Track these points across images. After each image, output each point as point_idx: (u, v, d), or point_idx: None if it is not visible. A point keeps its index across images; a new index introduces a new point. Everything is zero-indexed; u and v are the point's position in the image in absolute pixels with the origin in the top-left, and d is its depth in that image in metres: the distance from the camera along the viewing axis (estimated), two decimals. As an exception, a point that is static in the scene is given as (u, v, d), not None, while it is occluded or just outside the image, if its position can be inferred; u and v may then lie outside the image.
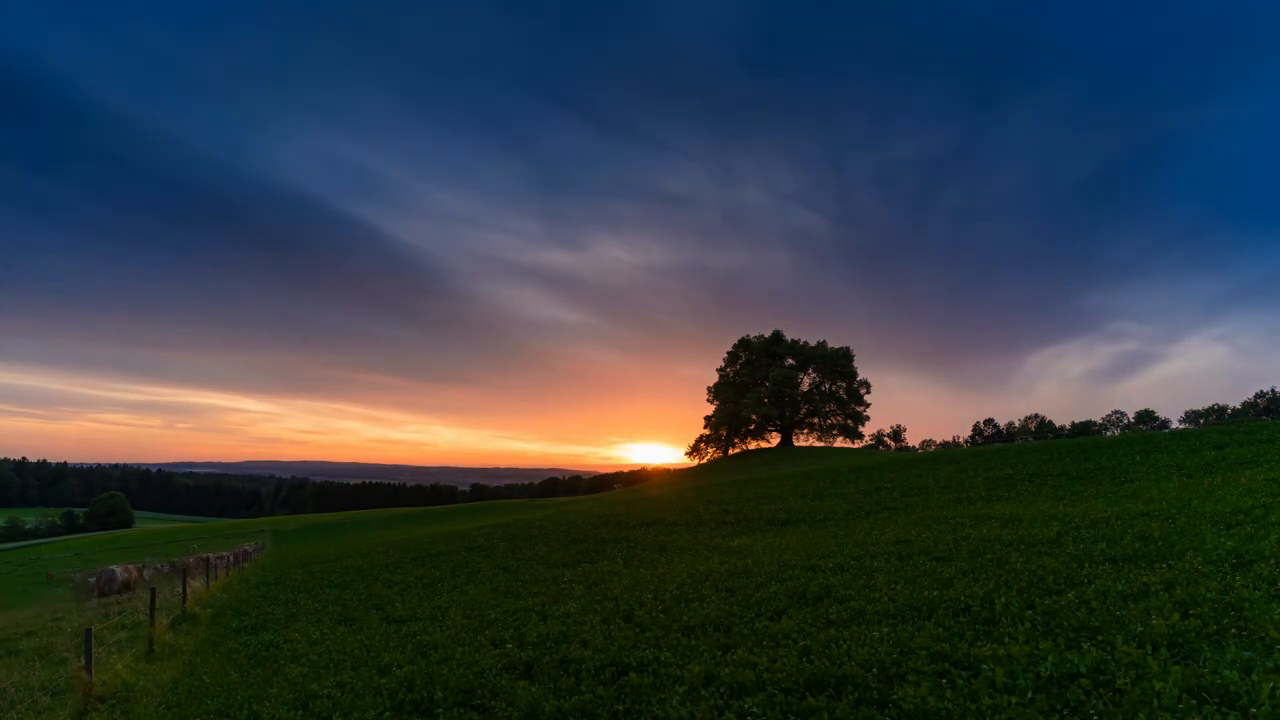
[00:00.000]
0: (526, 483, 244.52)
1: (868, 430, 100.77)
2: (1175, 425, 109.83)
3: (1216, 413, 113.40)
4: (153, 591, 13.48)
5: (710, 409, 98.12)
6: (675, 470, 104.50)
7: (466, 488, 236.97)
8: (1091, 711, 4.72)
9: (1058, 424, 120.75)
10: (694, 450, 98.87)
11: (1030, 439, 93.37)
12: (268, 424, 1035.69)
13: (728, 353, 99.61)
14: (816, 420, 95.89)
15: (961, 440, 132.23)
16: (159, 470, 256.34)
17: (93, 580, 24.86)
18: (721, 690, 6.27)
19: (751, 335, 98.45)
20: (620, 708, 6.23)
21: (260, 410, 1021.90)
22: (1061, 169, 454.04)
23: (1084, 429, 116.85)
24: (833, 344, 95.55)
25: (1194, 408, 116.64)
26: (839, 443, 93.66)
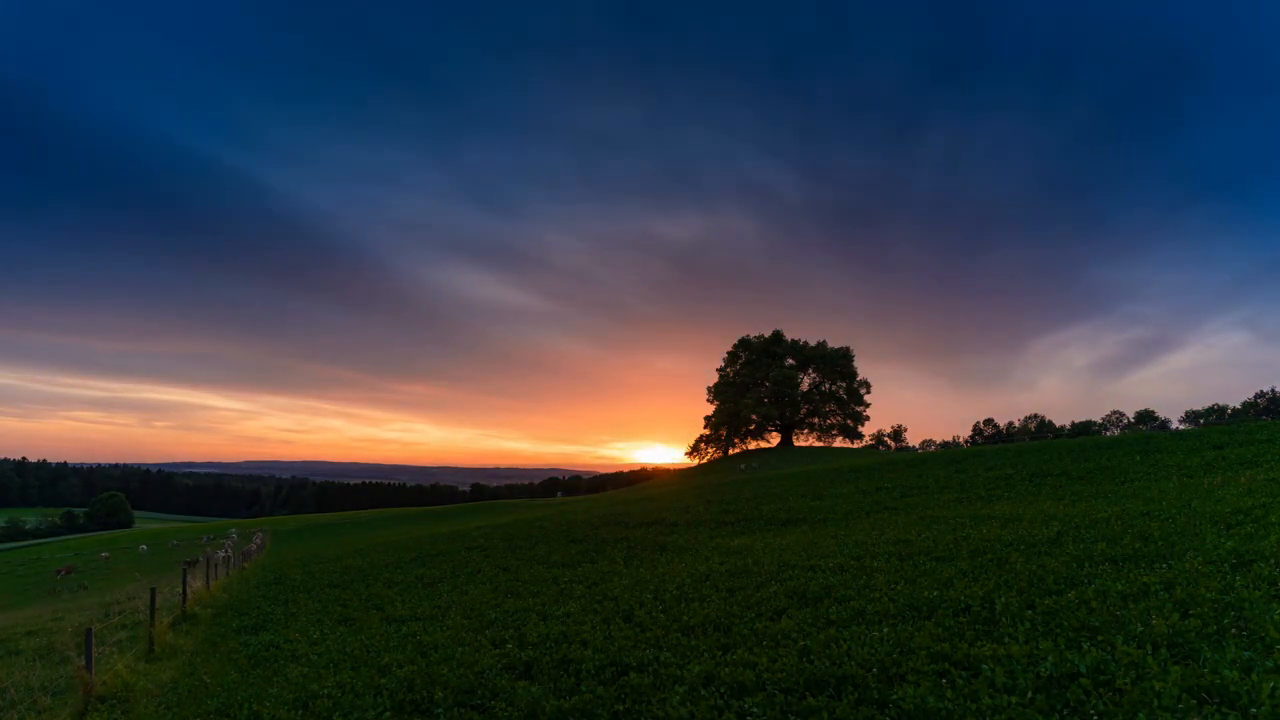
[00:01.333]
0: (526, 483, 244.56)
1: (868, 430, 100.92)
2: (1175, 425, 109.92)
3: (1216, 413, 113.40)
4: (153, 591, 13.48)
5: (710, 409, 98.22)
6: (675, 470, 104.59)
7: (466, 488, 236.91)
8: (1091, 711, 4.72)
9: (1058, 424, 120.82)
10: (694, 450, 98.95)
11: (1030, 439, 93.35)
12: (245, 422, 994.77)
13: (728, 353, 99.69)
14: (816, 420, 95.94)
15: (961, 440, 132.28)
16: (159, 470, 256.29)
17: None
18: (721, 690, 6.27)
19: (751, 335, 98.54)
20: (620, 708, 6.23)
21: (234, 408, 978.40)
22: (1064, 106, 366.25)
23: (1084, 429, 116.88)
24: (832, 343, 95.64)
25: (1194, 408, 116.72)
26: (839, 443, 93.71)
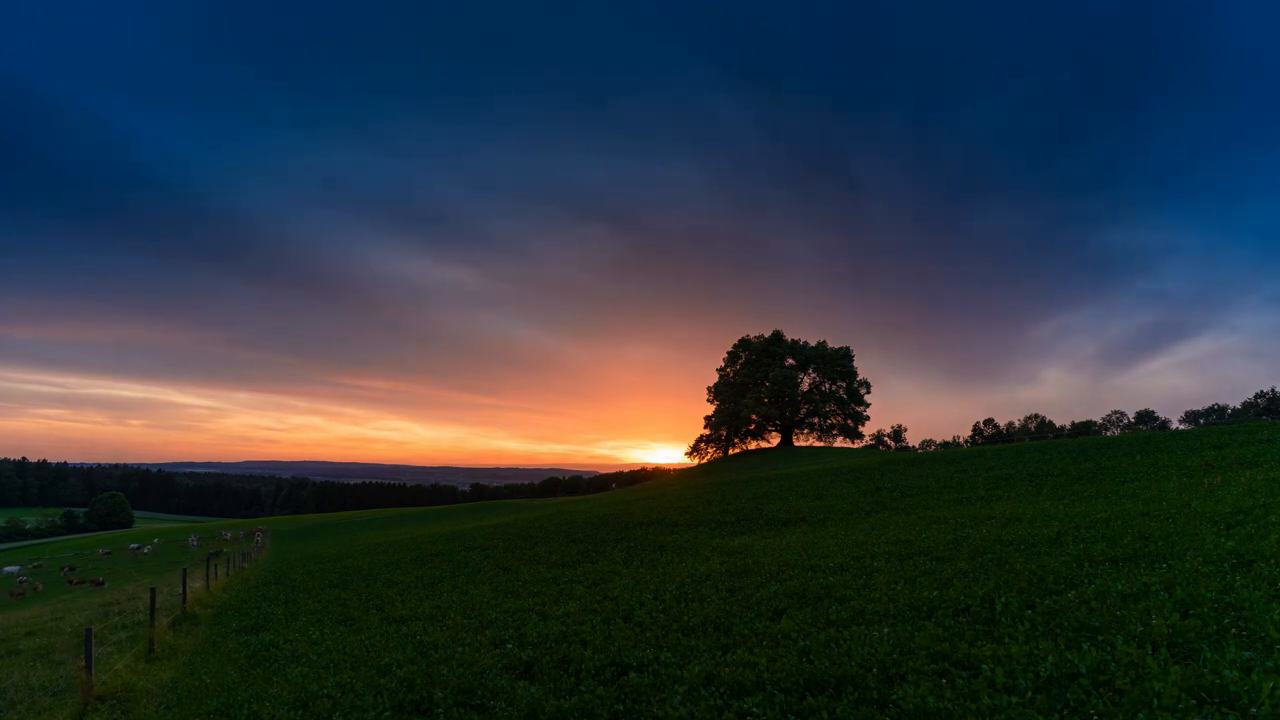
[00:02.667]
0: (526, 483, 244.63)
1: (868, 430, 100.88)
2: (1175, 425, 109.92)
3: (1216, 413, 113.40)
4: (153, 591, 13.48)
5: (710, 409, 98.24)
6: (675, 470, 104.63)
7: (466, 488, 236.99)
8: (1091, 711, 4.72)
9: (1058, 424, 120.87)
10: (694, 450, 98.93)
11: (1030, 439, 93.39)
12: (221, 420, 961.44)
13: (727, 353, 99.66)
14: (816, 420, 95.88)
15: (961, 440, 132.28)
16: (159, 470, 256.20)
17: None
18: (721, 690, 6.27)
19: (751, 335, 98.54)
20: (620, 708, 6.23)
21: (204, 405, 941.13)
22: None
23: (1084, 429, 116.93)
24: (832, 343, 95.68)
25: (1195, 408, 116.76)
26: (839, 443, 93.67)
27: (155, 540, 55.70)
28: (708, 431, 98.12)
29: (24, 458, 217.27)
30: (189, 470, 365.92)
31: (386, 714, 6.97)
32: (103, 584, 36.14)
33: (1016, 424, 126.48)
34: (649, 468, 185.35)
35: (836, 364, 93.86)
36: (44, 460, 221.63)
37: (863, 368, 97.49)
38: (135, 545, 52.01)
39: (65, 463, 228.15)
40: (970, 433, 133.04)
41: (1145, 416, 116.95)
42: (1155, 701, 4.64)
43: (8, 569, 51.29)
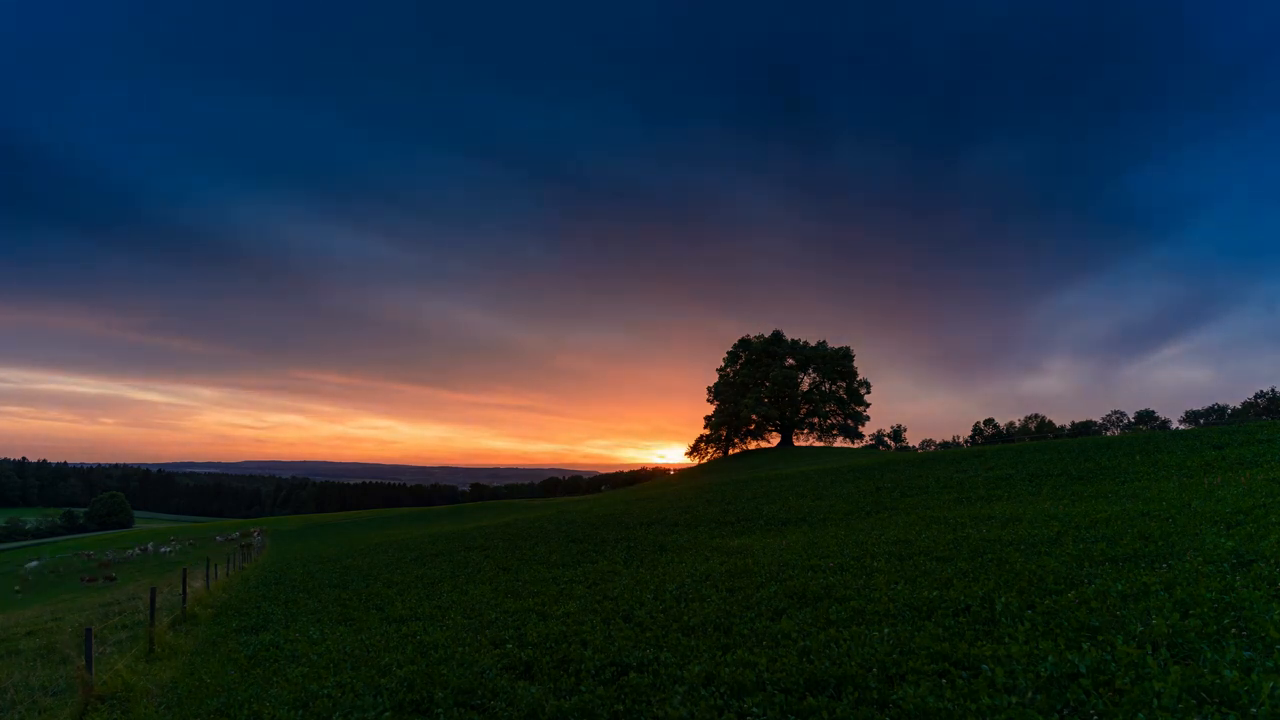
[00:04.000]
0: (526, 483, 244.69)
1: (868, 430, 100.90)
2: (1175, 425, 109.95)
3: (1216, 413, 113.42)
4: (153, 591, 13.48)
5: (710, 409, 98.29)
6: (675, 470, 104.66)
7: (466, 488, 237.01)
8: (1091, 711, 4.72)
9: (1058, 423, 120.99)
10: (694, 450, 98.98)
11: (1030, 439, 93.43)
12: (195, 417, 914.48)
13: (727, 353, 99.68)
14: (816, 420, 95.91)
15: (961, 440, 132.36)
16: (159, 470, 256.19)
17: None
18: (721, 690, 6.27)
19: (751, 335, 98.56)
20: (620, 708, 6.23)
21: (171, 403, 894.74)
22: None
23: (1084, 429, 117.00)
24: (832, 344, 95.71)
25: (1194, 408, 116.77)
26: (839, 443, 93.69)
27: (171, 539, 55.95)
28: (708, 431, 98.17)
29: (24, 458, 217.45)
30: (189, 470, 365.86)
31: (386, 714, 6.97)
32: (114, 579, 36.43)
33: (1016, 424, 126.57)
34: (649, 468, 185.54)
35: (836, 364, 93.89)
36: (44, 460, 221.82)
37: (850, 350, 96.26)
38: (166, 549, 52.31)
39: (65, 463, 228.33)
40: (970, 433, 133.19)
41: (1145, 416, 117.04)
42: (1155, 701, 4.64)
43: (30, 564, 51.57)
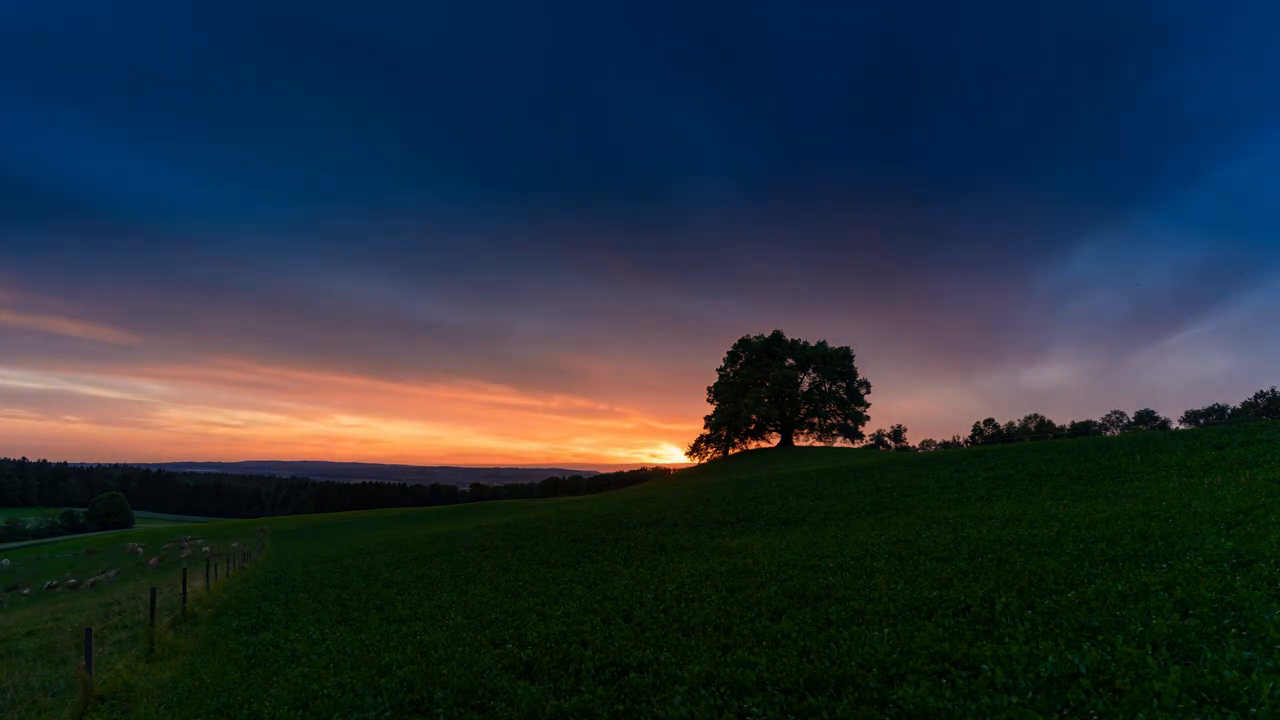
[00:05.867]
0: (526, 483, 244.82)
1: (867, 430, 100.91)
2: (1175, 425, 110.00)
3: (1216, 413, 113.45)
4: (153, 591, 13.49)
5: (710, 409, 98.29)
6: (676, 470, 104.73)
7: (466, 488, 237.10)
8: (1091, 711, 4.72)
9: (1058, 423, 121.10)
10: (694, 450, 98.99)
11: (1030, 439, 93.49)
12: (166, 413, 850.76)
13: (727, 353, 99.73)
14: (816, 420, 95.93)
15: (961, 440, 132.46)
16: (159, 470, 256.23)
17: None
18: (721, 690, 6.27)
19: (751, 335, 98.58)
20: (620, 708, 6.23)
21: (135, 399, 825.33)
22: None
23: (1084, 429, 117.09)
24: (832, 343, 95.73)
25: (1194, 408, 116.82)
26: (839, 443, 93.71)
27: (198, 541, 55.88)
28: (708, 431, 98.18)
29: (24, 458, 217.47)
30: (189, 470, 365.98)
31: (386, 714, 6.97)
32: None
33: (1016, 424, 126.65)
34: (649, 468, 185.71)
35: (836, 364, 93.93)
36: (44, 460, 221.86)
37: (850, 350, 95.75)
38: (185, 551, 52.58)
39: (65, 463, 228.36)
40: (970, 433, 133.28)
41: (1145, 416, 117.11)
42: (1155, 701, 4.64)
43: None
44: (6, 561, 57.35)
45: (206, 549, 48.41)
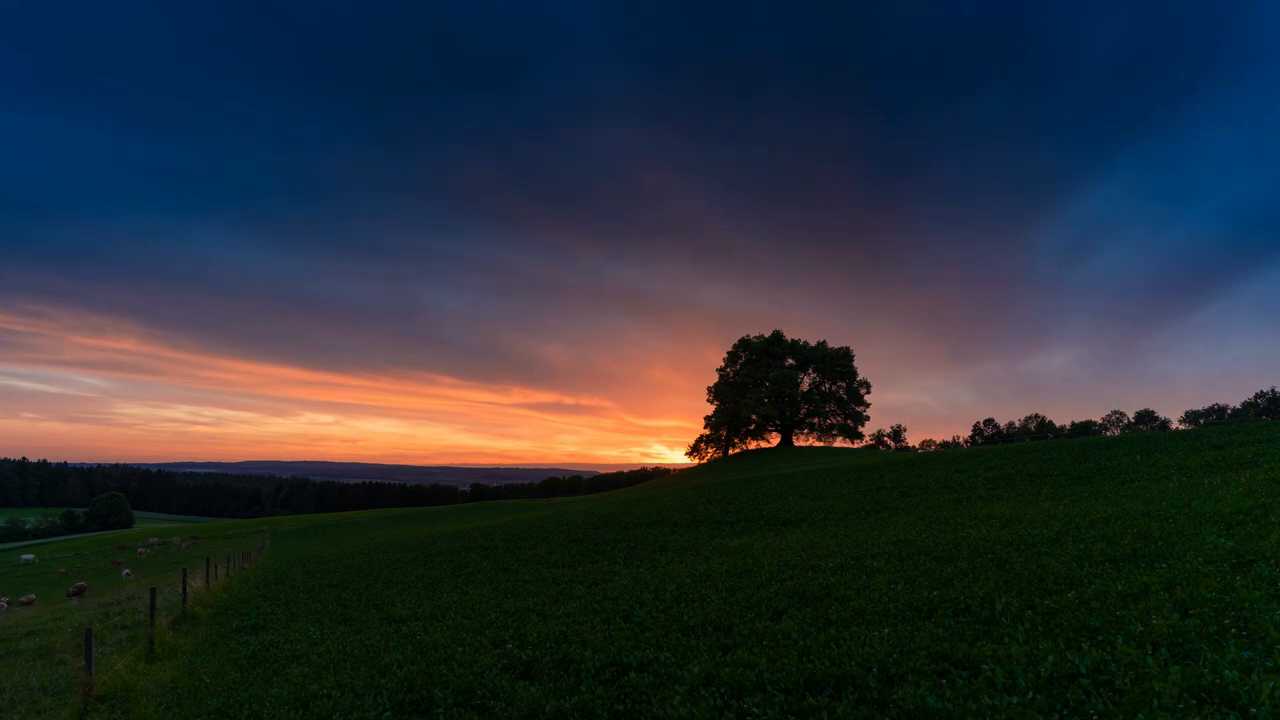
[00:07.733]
0: (526, 483, 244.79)
1: (868, 430, 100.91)
2: (1175, 425, 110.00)
3: (1216, 413, 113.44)
4: (152, 591, 13.48)
5: (710, 409, 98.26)
6: (676, 470, 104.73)
7: (466, 488, 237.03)
8: (1091, 711, 4.72)
9: (1058, 424, 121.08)
10: (694, 450, 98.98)
11: (1030, 439, 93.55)
12: (144, 411, 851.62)
13: (728, 353, 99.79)
14: (816, 420, 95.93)
15: (961, 440, 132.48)
16: (159, 470, 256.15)
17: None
18: (721, 690, 6.27)
19: (752, 335, 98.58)
20: (620, 708, 6.23)
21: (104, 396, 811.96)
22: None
23: (1084, 429, 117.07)
24: (833, 344, 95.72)
25: (1194, 408, 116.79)
26: (839, 443, 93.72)
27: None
28: (708, 431, 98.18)
29: (24, 458, 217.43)
30: (189, 470, 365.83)
31: (386, 714, 6.97)
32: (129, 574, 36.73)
33: (1016, 424, 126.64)
34: (649, 468, 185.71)
35: (836, 364, 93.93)
36: (44, 460, 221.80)
37: (850, 350, 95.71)
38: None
39: (65, 463, 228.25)
40: (970, 433, 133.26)
41: (1145, 416, 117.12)
42: (1155, 701, 4.64)
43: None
44: (32, 557, 57.03)
45: (205, 550, 48.57)
